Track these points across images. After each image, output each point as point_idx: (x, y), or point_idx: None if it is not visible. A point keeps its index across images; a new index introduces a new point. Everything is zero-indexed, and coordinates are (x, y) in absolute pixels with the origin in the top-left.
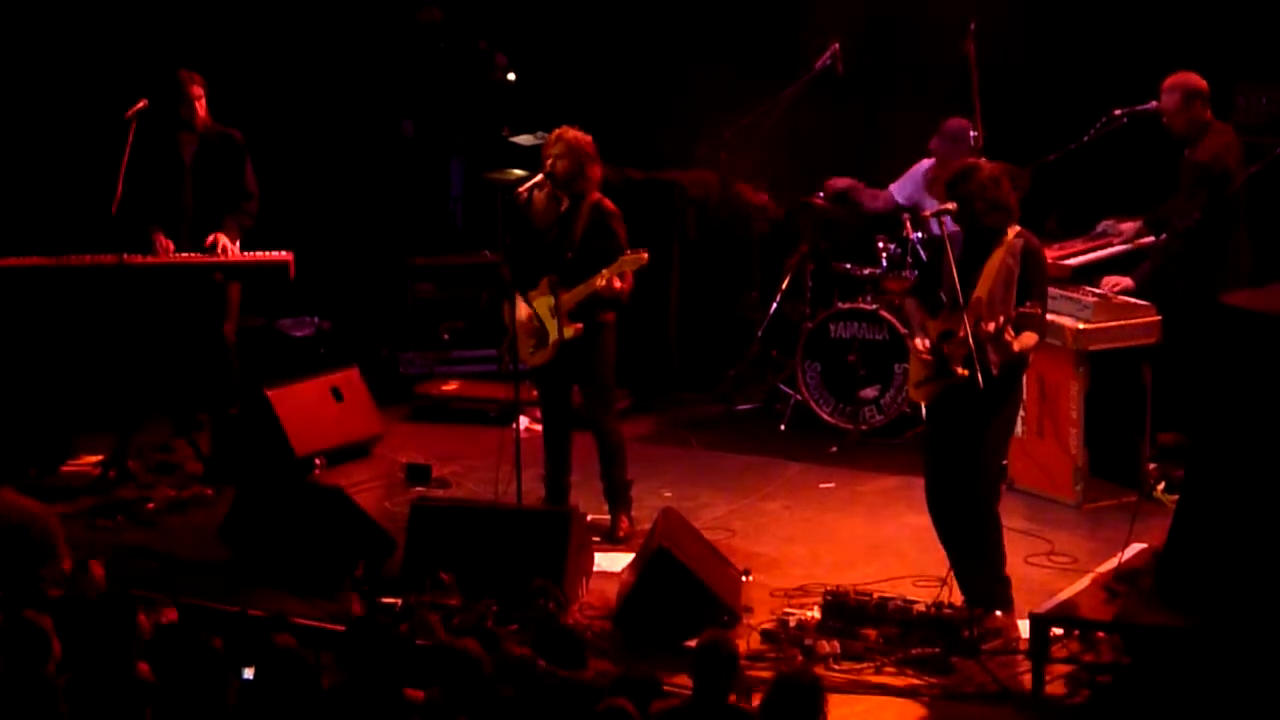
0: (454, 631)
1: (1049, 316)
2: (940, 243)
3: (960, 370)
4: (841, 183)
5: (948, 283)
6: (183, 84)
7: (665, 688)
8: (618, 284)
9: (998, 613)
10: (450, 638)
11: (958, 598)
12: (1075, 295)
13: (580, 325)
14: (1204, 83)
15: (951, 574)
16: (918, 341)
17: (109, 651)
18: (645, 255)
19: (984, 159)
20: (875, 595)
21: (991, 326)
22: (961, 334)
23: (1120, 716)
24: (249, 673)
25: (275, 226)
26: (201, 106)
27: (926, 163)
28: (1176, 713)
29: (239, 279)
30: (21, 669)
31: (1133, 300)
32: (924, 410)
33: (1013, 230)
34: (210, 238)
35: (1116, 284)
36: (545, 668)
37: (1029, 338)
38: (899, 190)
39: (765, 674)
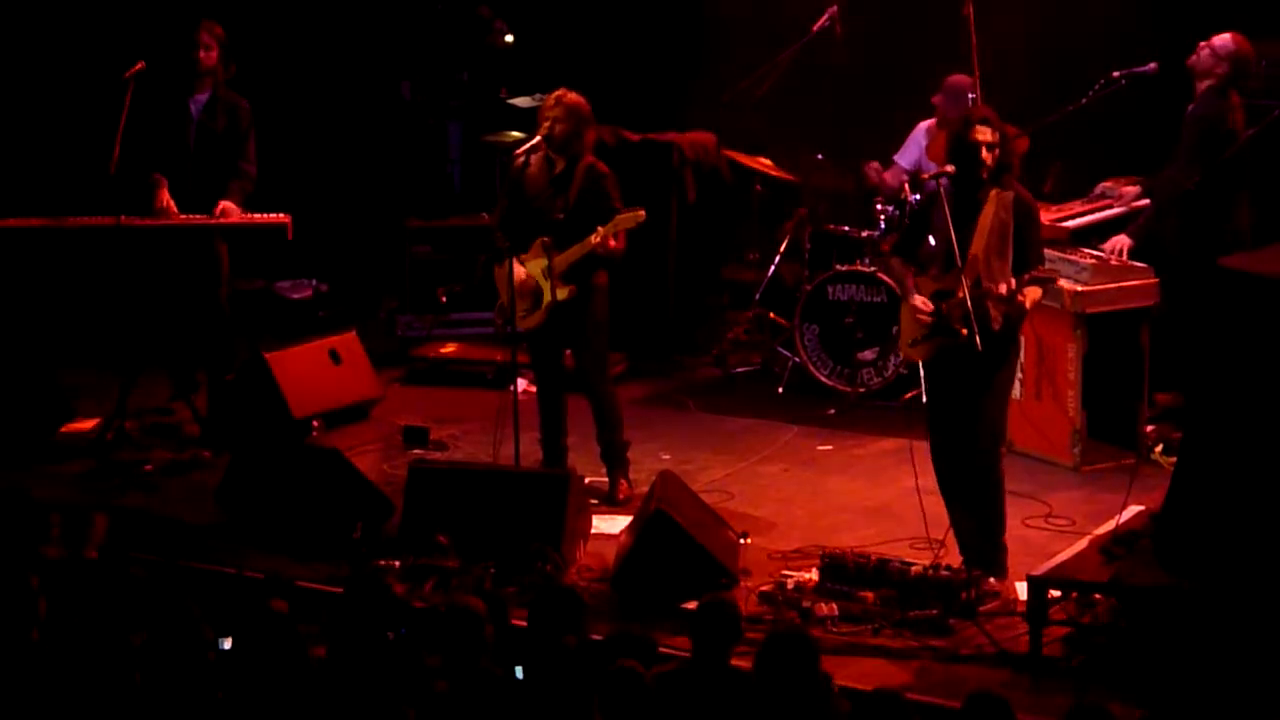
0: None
1: None
2: (934, 198)
3: (961, 329)
4: (875, 173)
5: (943, 242)
6: (197, 30)
7: (662, 649)
8: (612, 243)
9: (990, 579)
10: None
11: (955, 559)
12: (1073, 257)
13: (573, 287)
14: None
15: (949, 536)
16: (918, 302)
17: (98, 613)
18: (642, 213)
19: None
20: (873, 557)
21: (1004, 289)
22: (960, 294)
23: (1117, 678)
24: (227, 643)
25: (273, 189)
26: (208, 56)
27: (924, 124)
28: (1173, 674)
29: (231, 239)
30: (7, 630)
31: (1131, 263)
32: (921, 368)
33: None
34: (219, 206)
35: (1119, 247)
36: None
37: (1034, 292)
38: (904, 158)
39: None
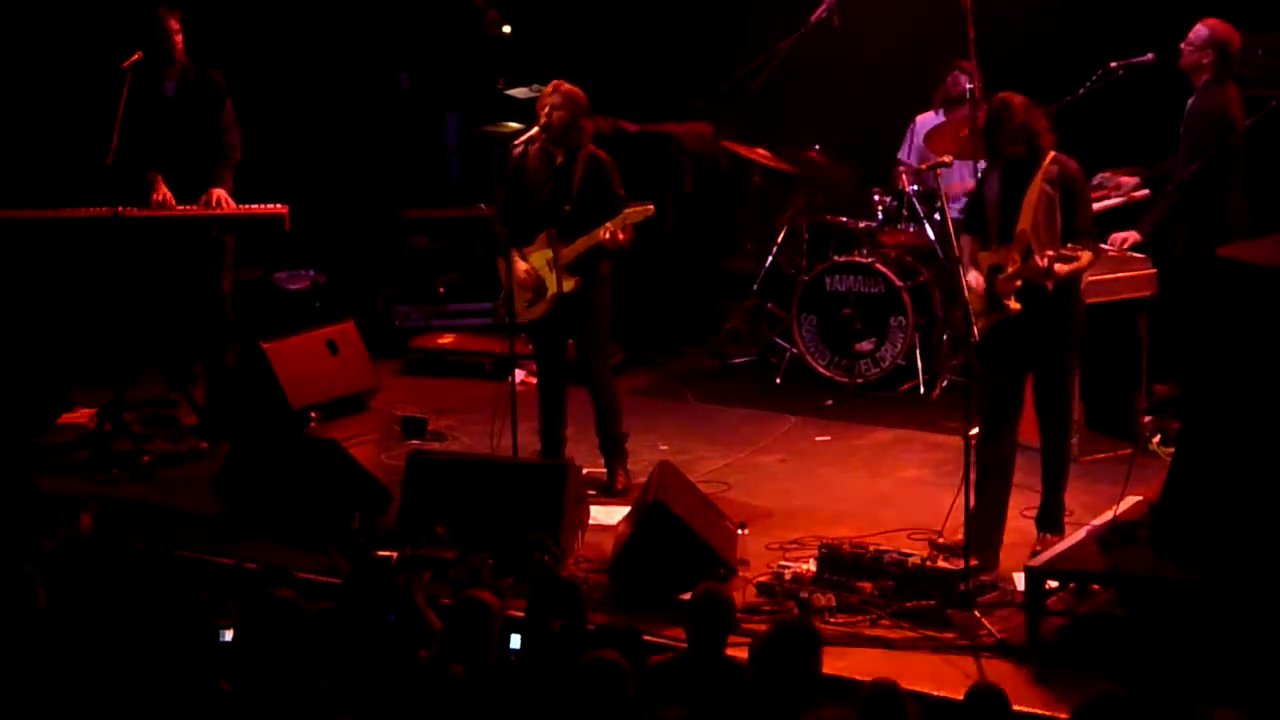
0: (450, 584)
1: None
2: (986, 175)
3: (1013, 305)
4: (910, 178)
5: (994, 218)
6: (160, 19)
7: (660, 640)
8: (621, 236)
9: (1048, 535)
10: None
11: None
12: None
13: (579, 278)
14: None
15: (946, 526)
16: (971, 278)
17: (97, 602)
18: (651, 208)
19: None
20: (871, 548)
21: (1044, 262)
22: (1010, 269)
23: (1115, 668)
24: (228, 634)
25: (270, 179)
26: (177, 41)
27: (920, 119)
28: (1171, 664)
29: (234, 232)
30: (8, 618)
31: (1128, 253)
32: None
33: (1048, 156)
34: (212, 195)
35: (1125, 240)
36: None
37: (1065, 267)
38: (907, 156)
39: (761, 627)
